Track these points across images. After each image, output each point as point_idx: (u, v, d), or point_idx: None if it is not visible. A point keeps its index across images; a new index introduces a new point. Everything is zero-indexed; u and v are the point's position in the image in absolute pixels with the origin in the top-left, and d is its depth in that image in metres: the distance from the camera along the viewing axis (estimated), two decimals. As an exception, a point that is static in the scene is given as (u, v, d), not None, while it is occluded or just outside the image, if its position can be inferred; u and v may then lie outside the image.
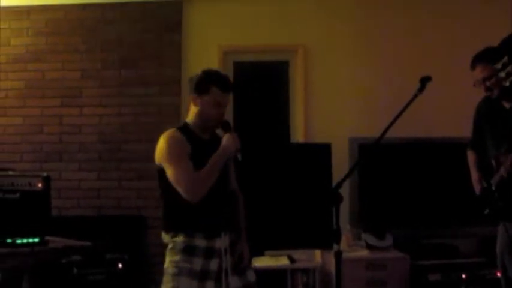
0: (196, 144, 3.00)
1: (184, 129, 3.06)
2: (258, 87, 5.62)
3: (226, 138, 3.02)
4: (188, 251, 2.95)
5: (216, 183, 2.98)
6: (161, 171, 2.99)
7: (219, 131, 3.18)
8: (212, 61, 5.29)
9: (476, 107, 3.56)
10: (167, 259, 3.00)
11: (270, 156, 4.89)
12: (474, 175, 3.48)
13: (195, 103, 3.06)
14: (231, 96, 3.19)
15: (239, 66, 5.57)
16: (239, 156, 3.04)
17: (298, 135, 5.42)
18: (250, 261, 3.26)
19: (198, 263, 2.94)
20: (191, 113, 3.11)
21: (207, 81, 3.03)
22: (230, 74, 5.46)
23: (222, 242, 3.02)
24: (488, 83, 3.20)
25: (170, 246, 3.00)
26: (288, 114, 5.52)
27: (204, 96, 3.02)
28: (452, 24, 5.46)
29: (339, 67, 5.42)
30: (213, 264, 2.97)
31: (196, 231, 2.97)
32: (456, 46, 5.36)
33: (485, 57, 3.22)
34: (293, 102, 5.50)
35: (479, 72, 3.25)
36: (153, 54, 5.41)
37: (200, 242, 2.96)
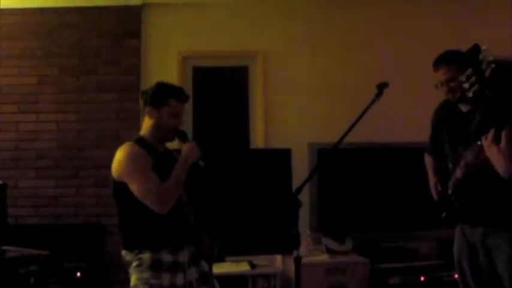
0: (155, 157, 2.99)
1: (141, 142, 3.04)
2: (218, 93, 5.62)
3: (186, 147, 3.04)
4: (156, 267, 2.91)
5: (178, 197, 2.98)
6: (119, 186, 2.96)
7: (169, 144, 3.18)
8: (171, 67, 5.28)
9: (434, 112, 3.61)
10: (134, 277, 2.94)
11: (230, 161, 4.88)
12: (431, 180, 3.53)
13: (151, 116, 3.05)
14: (186, 105, 3.20)
15: (198, 72, 5.56)
16: (201, 163, 3.05)
17: (258, 141, 5.43)
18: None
19: (166, 278, 2.91)
20: (145, 126, 3.09)
21: (164, 93, 3.04)
22: (189, 80, 5.47)
23: (184, 256, 3.01)
24: (451, 85, 3.25)
25: (136, 263, 2.93)
26: (247, 120, 5.53)
27: (162, 108, 3.02)
28: (409, 27, 5.54)
29: (298, 72, 5.45)
30: (179, 279, 2.95)
31: (161, 245, 2.94)
32: (414, 50, 5.44)
33: (448, 59, 3.27)
34: (253, 107, 5.52)
35: (442, 74, 3.28)
36: (112, 60, 5.35)
37: (166, 257, 2.94)
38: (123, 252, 3.00)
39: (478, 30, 5.11)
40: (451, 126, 3.37)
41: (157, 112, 3.03)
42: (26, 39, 5.35)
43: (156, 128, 3.05)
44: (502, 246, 3.14)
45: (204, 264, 3.15)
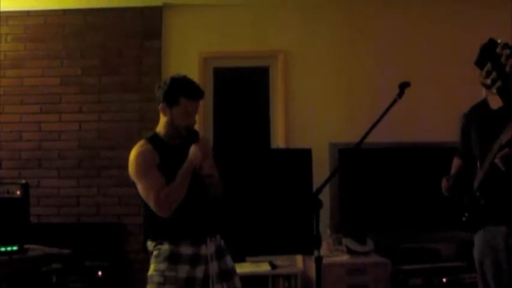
0: (167, 153, 2.99)
1: (154, 139, 3.05)
2: (238, 93, 5.62)
3: (192, 149, 2.98)
4: (173, 259, 2.93)
5: (197, 190, 2.99)
6: (134, 184, 3.02)
7: None
8: (192, 67, 5.29)
9: (464, 115, 3.58)
10: (152, 267, 2.98)
11: (251, 161, 4.89)
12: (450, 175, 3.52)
13: (164, 113, 3.04)
14: (202, 102, 3.16)
15: (219, 73, 5.57)
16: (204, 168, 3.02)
17: (278, 141, 5.42)
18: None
19: (183, 271, 2.92)
20: (161, 121, 3.09)
21: (176, 92, 3.00)
22: (210, 80, 5.48)
23: (207, 249, 3.01)
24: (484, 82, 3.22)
25: (155, 253, 2.98)
26: (268, 120, 5.52)
27: (173, 107, 3.00)
28: (434, 29, 5.49)
29: (319, 73, 5.44)
30: (199, 272, 2.95)
31: (181, 238, 2.96)
32: (437, 51, 5.41)
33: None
34: (273, 107, 5.51)
35: None
36: (133, 60, 5.39)
37: (186, 249, 2.95)
38: (147, 242, 3.04)
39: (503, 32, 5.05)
40: (481, 125, 3.34)
41: (169, 110, 3.01)
42: (49, 40, 5.41)
43: (169, 125, 3.04)
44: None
45: (228, 260, 3.14)
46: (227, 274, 3.10)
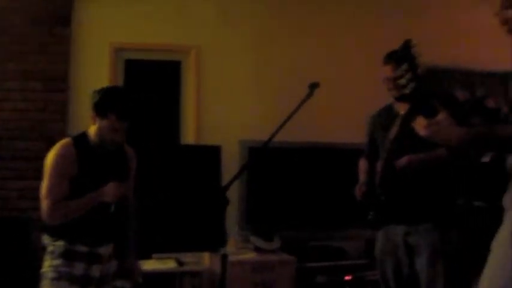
0: (88, 160, 2.94)
1: (81, 141, 2.98)
2: (150, 87, 5.52)
3: (108, 187, 2.95)
4: (69, 255, 2.89)
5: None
6: None
7: None
8: (103, 58, 5.16)
9: (371, 118, 3.67)
10: (46, 263, 2.92)
11: (159, 157, 4.82)
12: (360, 180, 3.59)
13: (94, 121, 2.98)
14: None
15: (131, 65, 5.44)
16: (112, 208, 2.99)
17: (188, 137, 5.37)
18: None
19: (79, 268, 2.88)
20: (92, 126, 3.02)
21: (106, 106, 2.93)
22: (121, 72, 5.35)
23: (105, 250, 2.96)
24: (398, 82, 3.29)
25: (50, 249, 2.93)
26: (178, 115, 5.46)
27: (102, 119, 2.93)
28: (345, 29, 5.62)
29: (231, 69, 5.43)
30: (95, 271, 2.92)
31: (76, 240, 2.92)
32: (349, 50, 5.53)
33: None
34: (185, 103, 5.45)
35: (390, 70, 3.31)
36: (40, 47, 5.14)
37: (81, 248, 2.90)
38: (43, 235, 2.99)
39: (413, 29, 5.17)
40: (386, 129, 3.42)
41: (99, 121, 2.96)
42: None
43: (96, 135, 2.99)
44: (422, 246, 3.24)
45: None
46: (127, 271, 3.06)
